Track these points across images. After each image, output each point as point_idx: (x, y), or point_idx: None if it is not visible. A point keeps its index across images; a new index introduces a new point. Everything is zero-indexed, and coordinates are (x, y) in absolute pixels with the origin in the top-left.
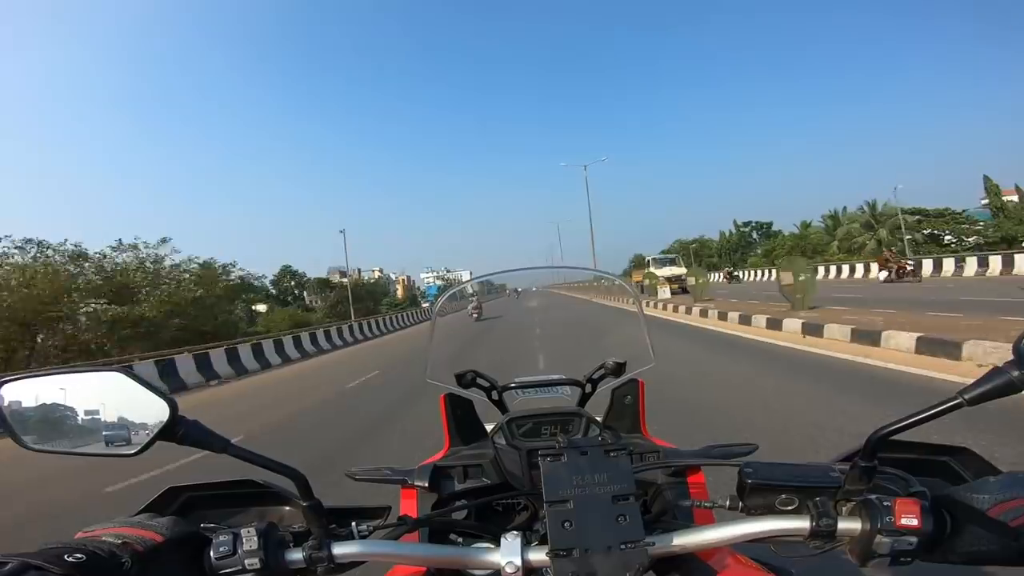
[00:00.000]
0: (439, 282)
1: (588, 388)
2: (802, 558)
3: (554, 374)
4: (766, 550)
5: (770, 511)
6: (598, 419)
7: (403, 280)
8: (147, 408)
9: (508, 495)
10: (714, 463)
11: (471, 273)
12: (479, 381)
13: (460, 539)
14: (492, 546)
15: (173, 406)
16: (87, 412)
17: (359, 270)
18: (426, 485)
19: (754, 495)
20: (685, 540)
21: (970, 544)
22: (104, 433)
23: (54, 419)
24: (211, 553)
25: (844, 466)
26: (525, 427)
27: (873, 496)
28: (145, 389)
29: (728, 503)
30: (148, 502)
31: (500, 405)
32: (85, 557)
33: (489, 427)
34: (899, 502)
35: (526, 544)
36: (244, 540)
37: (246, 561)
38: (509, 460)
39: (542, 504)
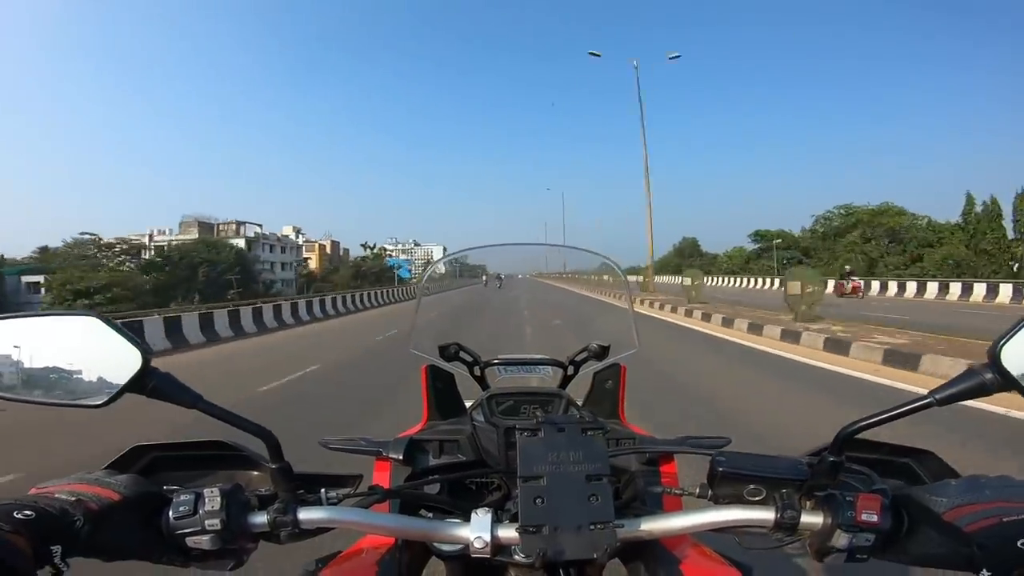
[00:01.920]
0: (404, 257)
1: (570, 370)
2: (764, 550)
3: (537, 354)
4: (730, 545)
5: (738, 501)
6: (578, 402)
7: (323, 246)
8: (119, 356)
9: (482, 471)
10: (688, 451)
11: (444, 249)
12: (462, 355)
13: (431, 514)
14: (463, 521)
15: (146, 355)
16: (55, 358)
17: (240, 224)
18: (400, 458)
19: (724, 484)
20: (653, 526)
21: (923, 545)
22: (74, 381)
23: (22, 365)
24: (170, 513)
25: (813, 460)
26: (505, 405)
27: (837, 492)
28: (119, 335)
29: (698, 491)
30: (111, 460)
31: (481, 381)
32: (35, 514)
33: (469, 403)
34: (861, 498)
35: (496, 521)
36: (206, 500)
37: (206, 522)
38: (486, 437)
39: (515, 484)
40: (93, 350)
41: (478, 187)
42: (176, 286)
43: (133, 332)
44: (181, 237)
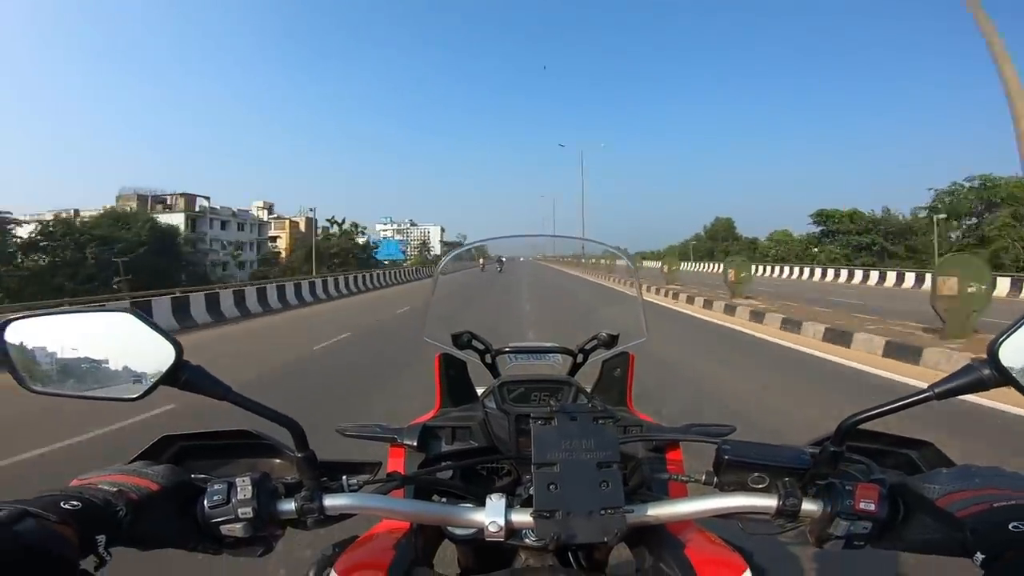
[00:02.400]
0: (399, 237)
1: (580, 358)
2: (766, 536)
3: (547, 342)
4: (733, 531)
5: (742, 488)
6: (587, 389)
7: (295, 223)
8: (152, 350)
9: (494, 458)
10: (695, 439)
11: (442, 229)
12: (474, 343)
13: (444, 499)
14: (477, 506)
15: (179, 349)
16: (92, 353)
17: (189, 197)
18: (415, 444)
19: (729, 472)
20: (660, 511)
21: (918, 532)
22: (109, 375)
23: (58, 360)
24: (205, 502)
25: (815, 450)
26: (515, 392)
27: (837, 481)
28: (152, 330)
29: (704, 478)
30: (142, 450)
31: (492, 369)
32: (81, 504)
33: (480, 391)
34: (860, 487)
35: (510, 506)
36: (239, 489)
37: (239, 510)
38: (497, 424)
39: (527, 469)
40: (127, 345)
41: (483, 164)
42: (57, 271)
43: None
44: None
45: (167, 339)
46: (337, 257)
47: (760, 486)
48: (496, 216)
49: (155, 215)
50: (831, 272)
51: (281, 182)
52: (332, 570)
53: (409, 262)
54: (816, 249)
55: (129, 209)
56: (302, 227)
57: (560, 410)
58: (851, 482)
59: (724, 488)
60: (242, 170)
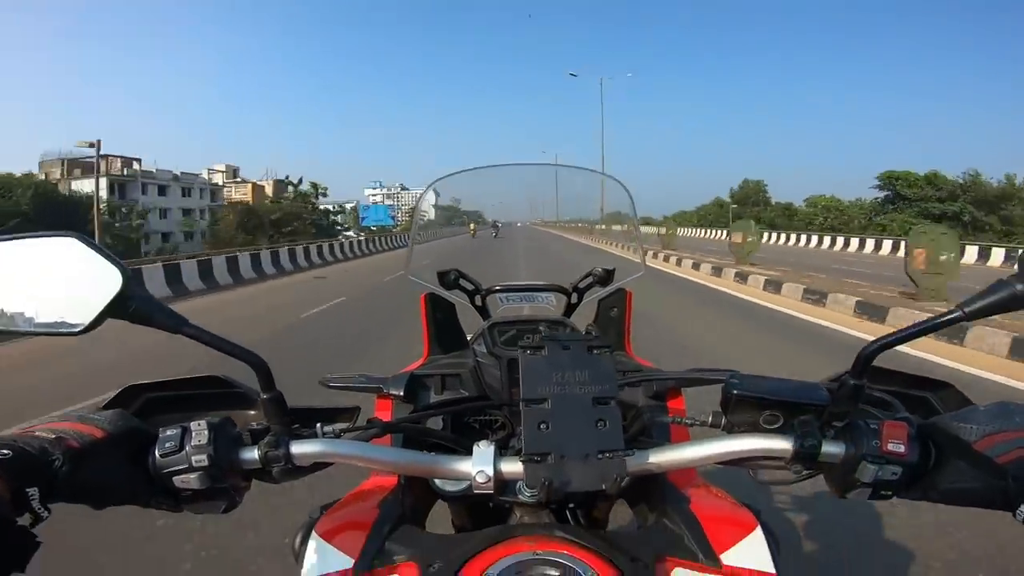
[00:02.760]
0: (389, 202)
1: (574, 297)
2: (779, 483)
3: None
4: (741, 486)
5: (754, 429)
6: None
7: (259, 186)
8: (98, 278)
9: (485, 404)
10: (698, 379)
11: (437, 193)
12: (462, 283)
13: (433, 452)
14: (465, 456)
15: (126, 275)
16: (32, 284)
17: (126, 160)
18: (401, 394)
19: (738, 410)
20: (663, 457)
21: (953, 480)
22: (51, 308)
23: None
24: (156, 450)
25: (832, 385)
26: (507, 335)
27: (859, 420)
28: (98, 255)
29: (711, 419)
30: (106, 401)
31: (483, 311)
32: (11, 453)
33: (471, 337)
34: (886, 425)
35: (499, 454)
36: (193, 435)
37: (193, 458)
38: (488, 371)
39: (519, 420)
40: (72, 274)
41: (481, 119)
42: None
43: None
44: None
45: (115, 264)
46: (283, 224)
47: (774, 426)
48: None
49: (72, 180)
50: (876, 243)
51: (266, 149)
52: (314, 531)
53: (399, 228)
54: (882, 218)
55: (46, 176)
56: (268, 191)
57: (551, 338)
58: (875, 420)
59: (733, 430)
60: (221, 138)
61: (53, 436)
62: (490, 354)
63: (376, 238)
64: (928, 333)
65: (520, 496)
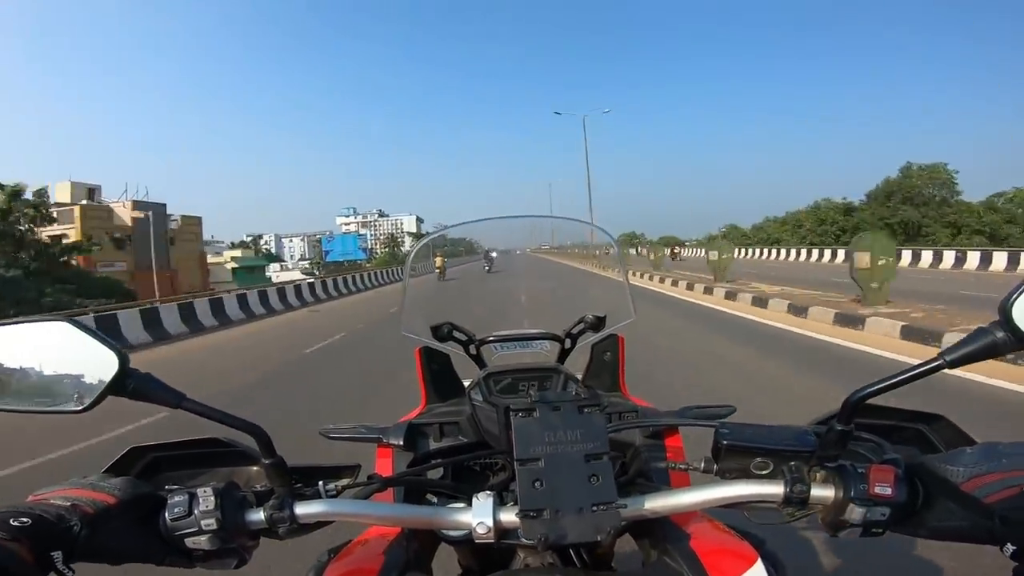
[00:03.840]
0: (364, 231)
1: (568, 343)
2: (775, 525)
3: (533, 328)
4: (743, 518)
5: (744, 475)
6: (577, 376)
7: (84, 208)
8: (96, 361)
9: (484, 453)
10: (691, 423)
11: (417, 218)
12: (456, 334)
13: (435, 500)
14: (464, 506)
15: (123, 358)
16: (31, 366)
17: None
18: (401, 443)
19: (729, 457)
20: (657, 503)
21: (941, 518)
22: (50, 388)
23: None
24: (166, 514)
25: (820, 429)
26: (503, 383)
27: (847, 463)
28: (93, 340)
29: (703, 465)
30: (110, 463)
31: (478, 360)
32: (31, 521)
33: (467, 383)
34: (873, 469)
35: (499, 504)
36: (200, 500)
37: (203, 522)
38: (486, 418)
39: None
40: (69, 356)
41: (474, 152)
42: None
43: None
44: None
45: (110, 347)
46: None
47: (764, 472)
48: (484, 203)
49: None
50: None
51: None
52: None
53: (374, 262)
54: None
55: None
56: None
57: (541, 400)
58: (863, 464)
59: (725, 475)
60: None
61: (68, 503)
62: (487, 402)
63: (336, 279)
64: (910, 381)
65: (521, 539)
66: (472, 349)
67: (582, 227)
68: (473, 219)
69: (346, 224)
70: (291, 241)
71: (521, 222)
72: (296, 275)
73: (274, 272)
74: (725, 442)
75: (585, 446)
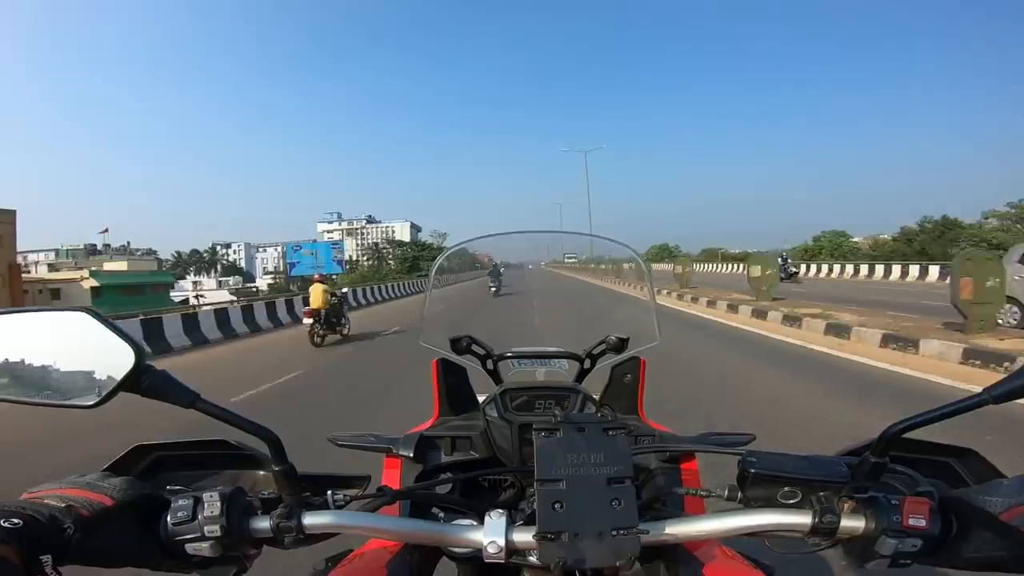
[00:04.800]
0: (344, 238)
1: (587, 363)
2: (794, 555)
3: (552, 346)
4: (754, 545)
5: (769, 504)
6: (595, 397)
7: None
8: (111, 354)
9: (496, 471)
10: (714, 450)
11: (412, 225)
12: (474, 348)
13: (442, 514)
14: (475, 523)
15: (140, 352)
16: (46, 357)
17: None
18: (411, 455)
19: (755, 486)
20: (679, 529)
21: (977, 549)
22: (63, 381)
23: (9, 363)
24: (168, 518)
25: (852, 460)
26: (519, 400)
27: (880, 494)
28: (111, 332)
29: (726, 493)
30: (112, 460)
31: (494, 375)
32: (22, 522)
33: (481, 398)
34: (908, 501)
35: (511, 523)
36: (206, 505)
37: (206, 528)
38: (500, 434)
39: (530, 482)
40: (85, 348)
41: (483, 162)
42: None
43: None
44: None
45: (127, 341)
46: None
47: (791, 501)
48: (487, 209)
49: None
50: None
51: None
52: None
53: (351, 277)
54: None
55: None
56: None
57: (566, 420)
58: (896, 496)
59: (749, 503)
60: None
61: (63, 504)
62: (502, 419)
63: (279, 302)
64: (953, 416)
65: (530, 559)
66: (489, 364)
67: (603, 244)
68: (498, 232)
69: (328, 232)
70: (264, 252)
71: (537, 236)
72: (222, 296)
73: (186, 293)
74: (753, 470)
75: (608, 469)
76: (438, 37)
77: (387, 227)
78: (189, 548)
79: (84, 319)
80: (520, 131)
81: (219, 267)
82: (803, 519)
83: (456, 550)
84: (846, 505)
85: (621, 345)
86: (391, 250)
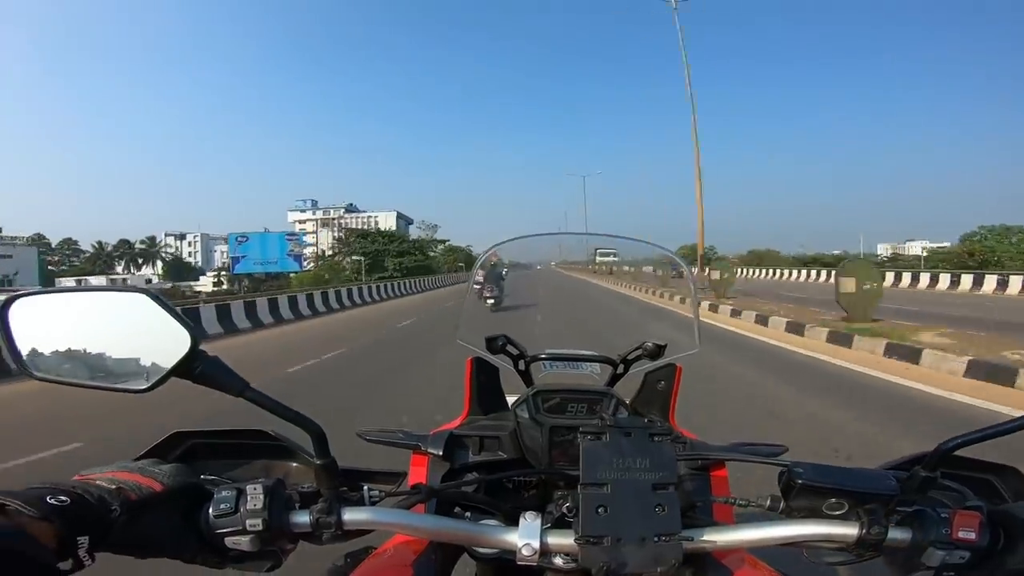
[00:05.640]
0: (324, 229)
1: (620, 368)
2: (832, 564)
3: (586, 350)
4: (778, 555)
5: (813, 514)
6: (626, 401)
7: None
8: (167, 338)
9: (527, 472)
10: (754, 460)
11: (398, 215)
12: (508, 348)
13: (468, 513)
14: (508, 525)
15: (196, 338)
16: (102, 338)
17: None
18: (440, 453)
19: (801, 497)
20: (721, 537)
21: (1022, 561)
22: (117, 363)
23: (64, 344)
24: (210, 509)
25: (900, 474)
26: (550, 402)
27: (927, 507)
28: (169, 315)
29: (768, 503)
30: (151, 446)
31: (526, 376)
32: (70, 501)
33: (511, 399)
34: (958, 514)
35: (545, 526)
36: (249, 497)
37: (248, 521)
38: (529, 435)
39: (559, 484)
40: (140, 330)
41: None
42: None
43: None
44: None
45: (183, 325)
46: None
47: (837, 512)
48: (487, 208)
49: None
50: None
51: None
52: None
53: (311, 274)
54: None
55: None
56: None
57: (613, 424)
58: (946, 509)
59: (793, 514)
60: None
61: (114, 487)
62: (532, 420)
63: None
64: (1005, 434)
65: (555, 561)
66: (521, 365)
67: (638, 246)
68: (533, 233)
69: (301, 221)
70: (225, 244)
71: (551, 237)
72: None
73: None
74: (800, 481)
75: (653, 475)
76: (439, 26)
77: (369, 217)
78: (228, 541)
79: (143, 300)
80: (528, 127)
81: (159, 261)
82: (849, 530)
83: (482, 550)
84: (893, 517)
85: (658, 351)
86: (351, 243)
